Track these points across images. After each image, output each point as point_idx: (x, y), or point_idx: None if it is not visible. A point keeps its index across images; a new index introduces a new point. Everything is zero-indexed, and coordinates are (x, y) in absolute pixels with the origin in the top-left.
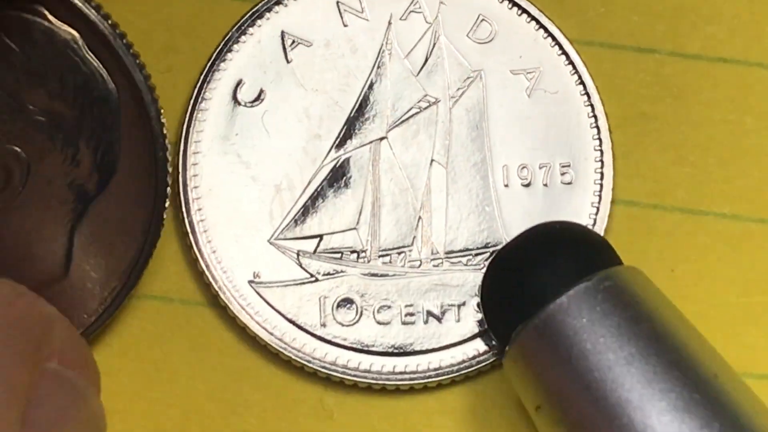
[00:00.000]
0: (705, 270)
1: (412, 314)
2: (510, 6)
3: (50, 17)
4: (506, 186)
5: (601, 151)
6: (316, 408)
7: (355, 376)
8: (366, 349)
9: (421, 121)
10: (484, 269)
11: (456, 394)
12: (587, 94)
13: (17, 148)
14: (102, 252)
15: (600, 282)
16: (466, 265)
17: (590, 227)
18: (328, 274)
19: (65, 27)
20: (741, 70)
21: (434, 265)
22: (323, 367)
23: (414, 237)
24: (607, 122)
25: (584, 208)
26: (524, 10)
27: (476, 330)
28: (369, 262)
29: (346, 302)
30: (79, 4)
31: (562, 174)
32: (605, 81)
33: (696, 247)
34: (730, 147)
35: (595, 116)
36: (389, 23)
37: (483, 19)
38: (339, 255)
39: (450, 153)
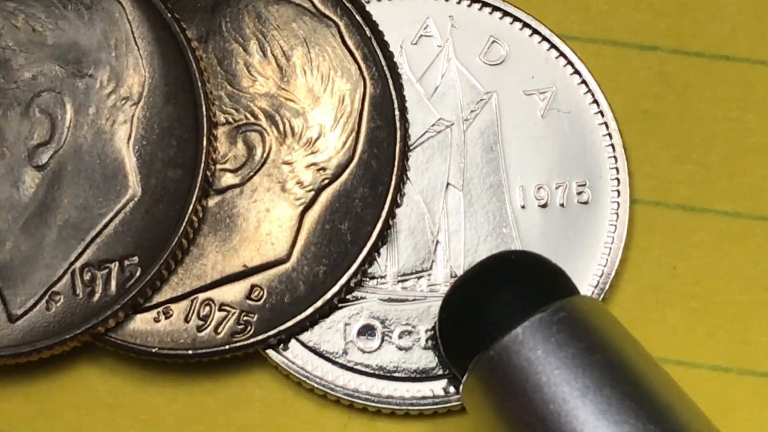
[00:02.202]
0: (707, 267)
1: (434, 338)
2: (521, 27)
3: (318, 6)
4: (523, 207)
5: (617, 169)
6: None
7: (378, 402)
8: (388, 375)
9: (436, 145)
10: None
11: None
12: (601, 112)
13: (261, 128)
14: (328, 242)
15: (555, 313)
16: None
17: (608, 246)
18: (347, 300)
19: (328, 15)
20: (744, 68)
21: None
22: (346, 395)
23: (432, 261)
24: (621, 140)
25: (602, 227)
26: (535, 31)
27: None
28: (388, 287)
29: (368, 329)
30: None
31: (579, 193)
32: (608, 78)
33: (698, 244)
34: (732, 144)
35: (609, 134)
36: (401, 47)
37: (494, 41)
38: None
39: (465, 176)
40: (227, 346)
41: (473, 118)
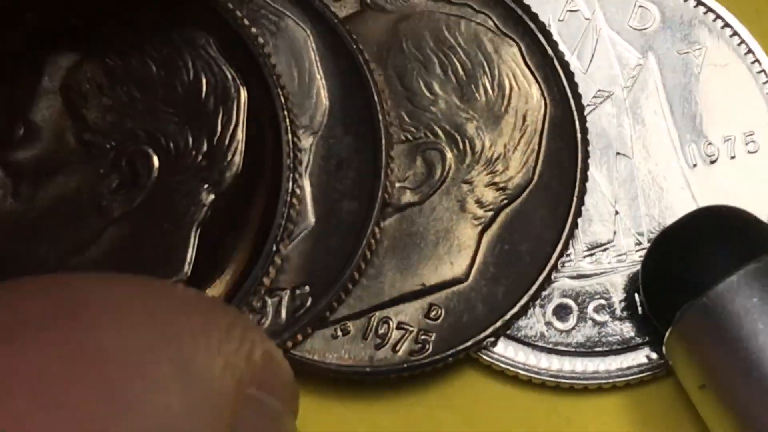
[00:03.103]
0: None
1: (629, 308)
2: None
3: (499, 25)
4: (695, 166)
5: None
6: (552, 417)
7: (584, 379)
8: (589, 351)
9: (601, 116)
10: (646, 250)
11: None
12: (757, 61)
13: (441, 146)
14: (506, 263)
15: None
16: None
17: None
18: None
19: (509, 34)
20: None
21: (640, 256)
22: (551, 377)
23: (614, 231)
24: None
25: None
26: None
27: None
28: (575, 264)
29: (562, 308)
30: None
31: (747, 144)
32: None
33: None
34: None
35: None
36: (549, 26)
37: (640, 6)
38: None
39: (633, 142)
40: (405, 365)
41: (632, 84)
